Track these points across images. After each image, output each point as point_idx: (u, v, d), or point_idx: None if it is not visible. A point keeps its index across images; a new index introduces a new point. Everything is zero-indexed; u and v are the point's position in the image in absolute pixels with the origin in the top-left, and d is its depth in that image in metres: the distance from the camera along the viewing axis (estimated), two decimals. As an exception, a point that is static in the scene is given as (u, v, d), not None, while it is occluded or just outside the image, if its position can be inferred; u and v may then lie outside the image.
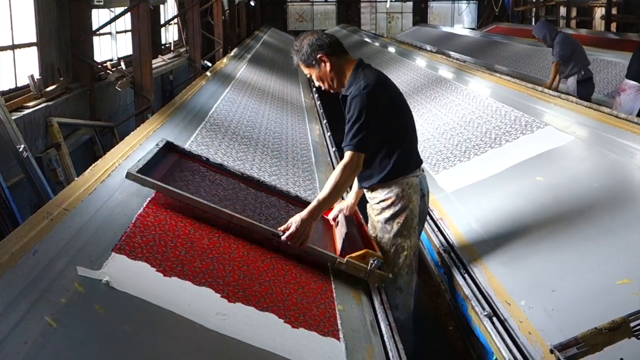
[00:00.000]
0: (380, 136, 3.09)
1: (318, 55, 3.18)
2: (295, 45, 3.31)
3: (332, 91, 3.30)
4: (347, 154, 2.99)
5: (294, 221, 2.86)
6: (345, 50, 3.32)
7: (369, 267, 2.88)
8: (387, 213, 3.15)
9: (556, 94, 5.70)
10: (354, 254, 2.90)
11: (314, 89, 9.67)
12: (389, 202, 3.14)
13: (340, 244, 3.05)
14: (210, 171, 3.43)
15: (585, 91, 7.66)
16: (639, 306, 2.13)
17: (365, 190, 3.30)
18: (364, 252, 2.92)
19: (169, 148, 3.44)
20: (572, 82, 7.80)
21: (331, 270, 2.95)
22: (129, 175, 2.78)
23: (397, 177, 3.14)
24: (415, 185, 3.18)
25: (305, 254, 2.89)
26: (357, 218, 3.48)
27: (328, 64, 3.19)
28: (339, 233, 3.19)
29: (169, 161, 3.30)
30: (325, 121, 7.17)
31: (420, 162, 3.31)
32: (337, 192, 3.00)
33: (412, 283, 3.22)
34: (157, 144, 3.36)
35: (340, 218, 3.34)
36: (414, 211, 3.16)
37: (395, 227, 3.14)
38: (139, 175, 2.79)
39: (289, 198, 3.55)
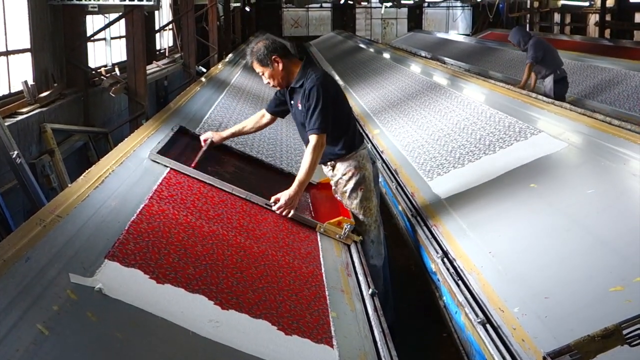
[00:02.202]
0: (332, 121, 3.71)
1: (273, 57, 3.72)
2: (251, 46, 3.83)
3: (279, 87, 3.88)
4: (313, 137, 3.65)
5: (282, 196, 3.57)
6: (291, 53, 3.88)
7: (343, 232, 3.60)
8: (351, 183, 3.84)
9: (550, 100, 5.72)
10: (331, 221, 3.62)
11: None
12: (350, 174, 3.84)
13: (320, 211, 3.81)
14: (216, 152, 4.14)
15: (560, 90, 8.46)
16: (631, 313, 2.13)
17: (327, 168, 3.98)
18: (340, 219, 3.64)
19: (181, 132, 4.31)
20: (548, 81, 8.50)
21: (325, 275, 2.96)
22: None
23: (350, 153, 3.84)
24: (366, 156, 3.91)
25: (292, 220, 3.55)
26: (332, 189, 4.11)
27: (280, 65, 3.74)
28: (320, 203, 3.96)
29: (182, 143, 4.10)
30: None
31: (363, 138, 4.03)
32: (312, 170, 3.67)
33: (380, 234, 3.94)
34: (172, 129, 4.24)
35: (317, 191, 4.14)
36: (370, 177, 3.90)
37: (360, 193, 3.85)
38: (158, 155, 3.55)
39: (282, 174, 4.40)
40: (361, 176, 3.84)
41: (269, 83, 3.85)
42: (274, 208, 3.55)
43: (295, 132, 6.54)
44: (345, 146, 3.83)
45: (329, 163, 3.92)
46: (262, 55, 3.73)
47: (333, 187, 3.98)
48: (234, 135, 4.27)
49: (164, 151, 3.69)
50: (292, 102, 3.84)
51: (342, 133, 3.81)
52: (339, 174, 3.88)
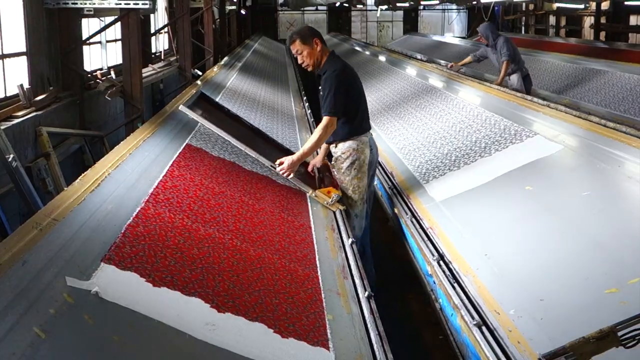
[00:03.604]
0: (342, 108, 4.34)
1: (314, 39, 4.43)
2: (296, 29, 4.77)
3: (310, 69, 4.50)
4: (325, 118, 4.30)
5: (287, 160, 4.27)
6: (325, 44, 4.56)
7: (330, 199, 4.20)
8: (348, 162, 4.43)
9: (545, 103, 5.73)
10: (322, 189, 4.28)
11: (305, 98, 9.68)
12: (347, 154, 4.43)
13: (314, 182, 4.42)
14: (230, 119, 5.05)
15: (529, 86, 9.01)
16: (626, 315, 2.13)
17: (331, 146, 4.57)
18: (329, 189, 4.29)
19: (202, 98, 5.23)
20: (516, 78, 8.93)
21: (321, 277, 2.97)
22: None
23: (353, 136, 4.43)
24: (366, 142, 4.49)
25: (289, 182, 4.20)
26: (327, 167, 4.73)
27: (319, 47, 4.44)
28: (313, 176, 4.56)
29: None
30: (315, 130, 7.18)
31: (369, 127, 4.61)
32: (317, 144, 4.39)
33: (364, 211, 4.53)
34: (195, 92, 5.23)
35: (313, 167, 4.70)
36: (365, 160, 4.47)
37: (353, 171, 4.42)
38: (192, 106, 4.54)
39: (283, 148, 5.05)
40: (356, 157, 4.43)
41: (303, 62, 4.47)
42: (277, 169, 4.25)
43: (292, 135, 6.57)
44: (350, 131, 4.43)
45: (333, 143, 4.52)
46: (306, 35, 4.44)
47: (333, 162, 4.58)
48: (326, 151, 4.74)
49: (195, 105, 4.62)
50: (320, 88, 4.49)
51: (349, 120, 4.41)
52: (339, 152, 4.47)
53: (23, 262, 2.08)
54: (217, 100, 6.94)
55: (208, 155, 4.19)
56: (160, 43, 15.55)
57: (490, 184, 4.37)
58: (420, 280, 4.05)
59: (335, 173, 4.55)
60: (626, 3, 19.50)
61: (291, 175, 4.23)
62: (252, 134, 5.00)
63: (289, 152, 4.73)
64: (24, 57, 7.08)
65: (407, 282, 4.72)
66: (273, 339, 2.32)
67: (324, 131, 4.31)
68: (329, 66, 4.42)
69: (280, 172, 4.21)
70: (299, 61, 4.51)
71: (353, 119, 4.44)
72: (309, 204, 4.13)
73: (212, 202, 3.34)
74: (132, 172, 3.36)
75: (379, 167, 5.81)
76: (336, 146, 4.52)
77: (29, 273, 2.04)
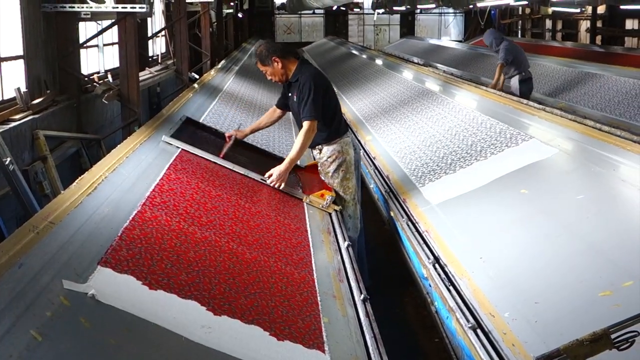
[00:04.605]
0: (321, 111, 4.38)
1: (272, 58, 4.44)
2: (256, 50, 4.70)
3: (279, 82, 4.59)
4: (306, 123, 4.33)
5: (275, 171, 4.21)
6: (289, 53, 4.57)
7: (325, 202, 4.26)
8: (335, 165, 4.53)
9: (541, 106, 5.75)
10: (315, 193, 4.34)
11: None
12: (334, 157, 4.54)
13: (307, 187, 4.49)
14: (217, 139, 4.97)
15: (525, 89, 9.15)
16: (620, 318, 2.15)
17: (315, 152, 4.68)
18: (322, 192, 4.34)
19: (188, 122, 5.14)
20: (514, 81, 9.22)
21: (317, 280, 2.98)
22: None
23: (335, 139, 4.54)
24: (349, 143, 4.62)
25: (283, 192, 4.18)
26: (317, 171, 4.72)
27: (280, 64, 4.46)
28: (306, 181, 4.62)
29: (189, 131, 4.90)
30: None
31: (347, 127, 4.75)
32: (302, 150, 4.35)
33: (357, 211, 4.61)
34: (180, 119, 5.07)
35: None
36: (351, 160, 4.58)
37: (341, 173, 4.53)
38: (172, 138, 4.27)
39: (272, 156, 5.07)
40: (343, 159, 4.54)
41: (271, 79, 4.57)
42: (267, 181, 4.19)
43: (288, 138, 6.58)
44: (331, 133, 4.53)
45: (317, 147, 4.61)
46: (264, 57, 4.47)
47: (319, 168, 4.64)
48: (253, 131, 4.96)
49: (176, 136, 4.40)
50: (290, 94, 4.58)
51: (328, 122, 4.50)
52: (325, 157, 4.57)
53: (20, 265, 2.09)
54: (213, 104, 6.97)
55: (205, 159, 4.20)
56: (157, 46, 15.57)
57: (486, 187, 4.39)
58: (416, 284, 4.06)
59: (323, 178, 4.60)
60: (622, 7, 19.54)
61: (282, 186, 4.20)
62: (242, 149, 5.03)
63: (282, 160, 4.68)
64: (21, 61, 7.09)
65: (403, 285, 4.74)
66: (269, 341, 2.33)
67: (307, 136, 4.34)
68: (301, 73, 4.45)
69: (271, 184, 4.17)
70: (267, 77, 4.60)
71: (332, 121, 4.52)
72: (305, 206, 4.15)
73: (209, 205, 3.35)
74: (128, 175, 3.37)
75: (376, 171, 5.83)
76: (320, 151, 4.60)
77: (26, 276, 2.04)
